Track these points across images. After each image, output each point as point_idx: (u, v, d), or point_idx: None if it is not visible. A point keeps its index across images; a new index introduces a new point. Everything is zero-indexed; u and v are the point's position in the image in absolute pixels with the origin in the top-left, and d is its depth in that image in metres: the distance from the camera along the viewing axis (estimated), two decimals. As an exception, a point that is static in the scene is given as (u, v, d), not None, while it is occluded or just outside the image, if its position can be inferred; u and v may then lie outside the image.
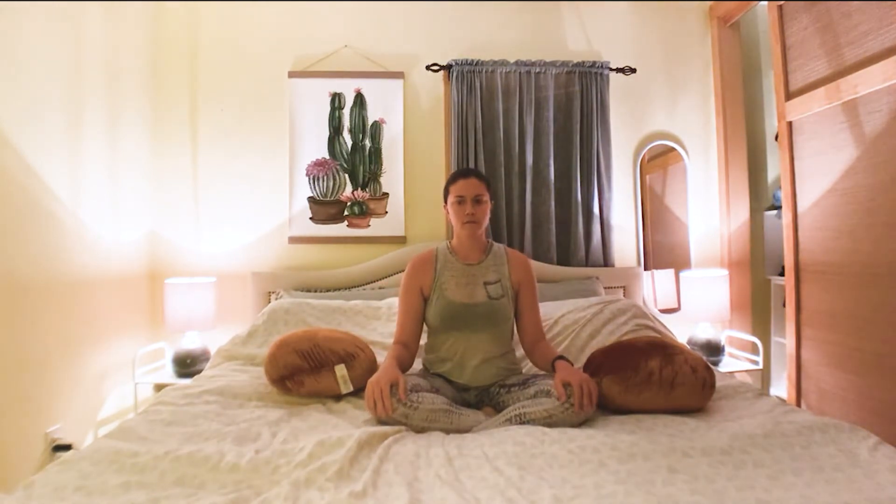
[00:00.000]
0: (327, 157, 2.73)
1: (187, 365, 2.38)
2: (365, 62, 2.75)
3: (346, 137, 2.74)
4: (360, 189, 2.74)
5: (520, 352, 1.86)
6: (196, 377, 1.87)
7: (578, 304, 2.24)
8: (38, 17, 1.93)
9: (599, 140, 2.73)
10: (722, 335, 2.67)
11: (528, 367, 1.88)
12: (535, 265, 2.42)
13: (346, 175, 2.73)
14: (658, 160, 2.96)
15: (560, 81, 2.75)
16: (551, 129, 2.72)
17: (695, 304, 2.59)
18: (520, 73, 2.71)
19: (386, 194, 2.75)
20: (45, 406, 1.95)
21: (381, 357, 1.87)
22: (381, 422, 1.41)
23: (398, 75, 2.75)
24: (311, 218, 2.73)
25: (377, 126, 2.75)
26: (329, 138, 2.73)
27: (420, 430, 1.39)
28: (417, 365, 1.80)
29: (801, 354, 2.36)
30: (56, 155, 2.02)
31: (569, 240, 2.74)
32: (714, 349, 2.51)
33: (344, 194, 2.73)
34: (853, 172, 2.05)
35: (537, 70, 2.71)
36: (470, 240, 1.74)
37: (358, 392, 1.67)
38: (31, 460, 1.88)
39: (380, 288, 2.59)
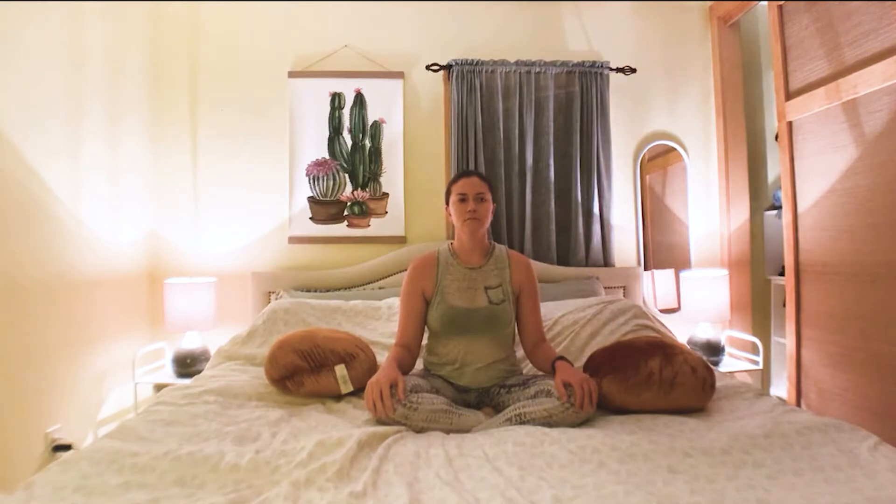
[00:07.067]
0: (327, 157, 2.73)
1: (187, 365, 2.38)
2: (365, 62, 2.75)
3: (346, 137, 2.74)
4: (360, 189, 2.73)
5: (520, 352, 1.86)
6: (196, 377, 1.87)
7: (578, 305, 2.24)
8: (38, 17, 1.93)
9: (599, 140, 2.73)
10: (722, 335, 2.67)
11: (528, 367, 1.88)
12: (536, 265, 2.41)
13: (346, 175, 2.73)
14: (658, 160, 2.96)
15: (560, 81, 2.75)
16: (551, 129, 2.72)
17: (695, 304, 2.59)
18: (520, 73, 2.70)
19: (386, 194, 2.75)
20: (45, 406, 1.95)
21: (381, 357, 1.87)
22: (380, 422, 1.40)
23: (398, 75, 2.75)
24: (311, 218, 2.72)
25: (377, 126, 2.75)
26: (329, 138, 2.73)
27: (420, 431, 1.39)
28: (419, 365, 1.80)
29: (801, 354, 2.36)
30: (56, 155, 2.02)
31: (569, 240, 2.74)
32: (714, 349, 2.50)
33: (344, 194, 2.73)
34: (853, 172, 2.05)
35: (537, 70, 2.71)
36: (471, 240, 1.72)
37: (358, 392, 1.67)
38: (31, 460, 1.87)
39: (380, 288, 2.58)
